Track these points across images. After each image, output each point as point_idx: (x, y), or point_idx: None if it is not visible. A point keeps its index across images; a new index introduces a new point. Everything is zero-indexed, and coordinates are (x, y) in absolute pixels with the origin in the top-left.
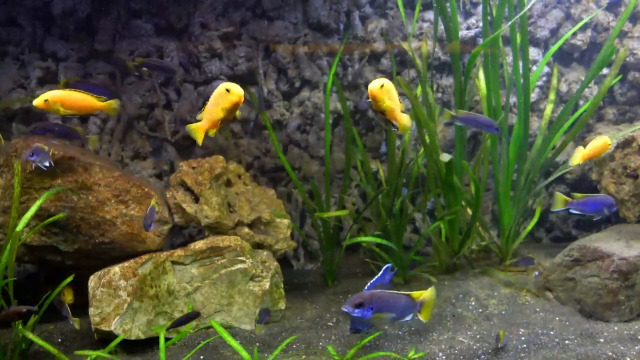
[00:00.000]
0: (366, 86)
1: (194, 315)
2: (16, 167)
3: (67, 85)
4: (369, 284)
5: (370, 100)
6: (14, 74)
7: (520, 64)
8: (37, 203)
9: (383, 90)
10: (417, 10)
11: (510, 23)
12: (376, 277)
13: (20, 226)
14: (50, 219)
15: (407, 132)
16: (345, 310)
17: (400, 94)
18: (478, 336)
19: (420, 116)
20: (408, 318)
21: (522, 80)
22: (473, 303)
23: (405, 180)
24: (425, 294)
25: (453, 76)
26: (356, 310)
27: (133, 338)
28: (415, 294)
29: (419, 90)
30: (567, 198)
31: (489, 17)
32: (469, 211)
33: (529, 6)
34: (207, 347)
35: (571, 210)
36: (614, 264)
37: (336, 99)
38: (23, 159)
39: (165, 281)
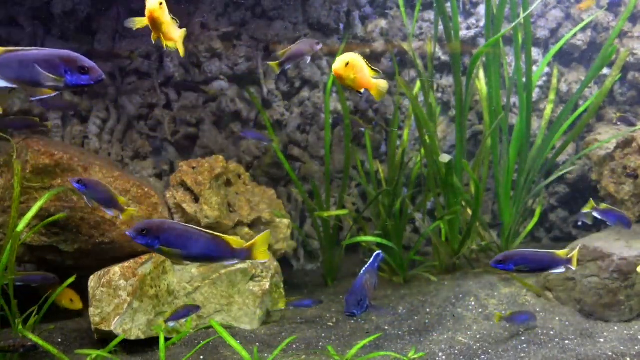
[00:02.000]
0: None
1: (193, 309)
2: (16, 167)
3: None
4: (361, 271)
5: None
6: None
7: (523, 63)
8: (38, 204)
9: (349, 68)
10: (417, 10)
11: (515, 22)
12: (368, 263)
13: (21, 226)
14: (51, 219)
15: (382, 97)
16: (128, 233)
17: (402, 94)
18: (478, 336)
19: (420, 116)
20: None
21: (524, 80)
22: (473, 303)
23: (405, 180)
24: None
25: (453, 76)
26: (139, 237)
27: (133, 338)
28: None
29: (417, 87)
30: (595, 205)
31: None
32: (469, 211)
33: (534, 5)
34: (207, 347)
35: (594, 214)
36: (614, 264)
37: (336, 99)
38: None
39: (165, 281)
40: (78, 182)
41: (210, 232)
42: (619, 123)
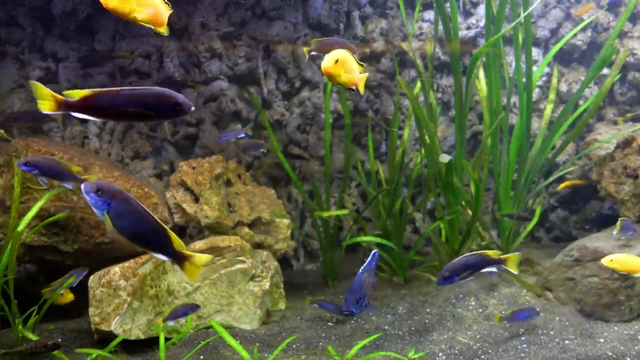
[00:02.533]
0: (366, 86)
1: (193, 308)
2: (16, 167)
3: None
4: (360, 269)
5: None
6: (14, 74)
7: (523, 63)
8: (39, 204)
9: (338, 65)
10: (417, 10)
11: (516, 22)
12: (366, 262)
13: (21, 226)
14: (51, 219)
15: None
16: (83, 187)
17: (402, 94)
18: (478, 336)
19: (421, 116)
20: None
21: (524, 80)
22: (473, 303)
23: (405, 180)
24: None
25: (453, 76)
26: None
27: (133, 338)
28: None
29: (417, 87)
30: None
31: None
32: (469, 211)
33: (535, 5)
34: (207, 347)
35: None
36: None
37: (336, 99)
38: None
39: (165, 281)
40: (26, 165)
41: (162, 224)
42: (631, 123)
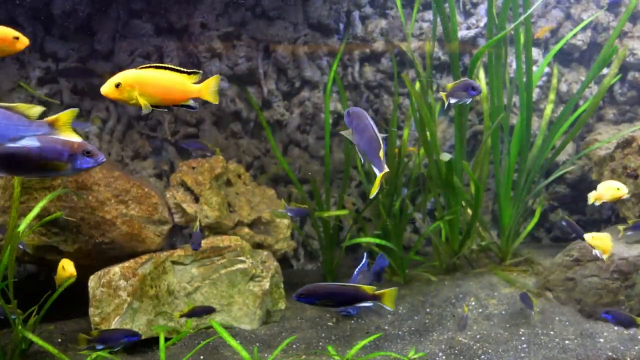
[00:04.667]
0: (366, 86)
1: (208, 310)
2: None
3: None
4: (355, 272)
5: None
6: (14, 74)
7: (523, 63)
8: (40, 204)
9: (123, 89)
10: (415, 10)
11: (517, 22)
12: (360, 265)
13: (22, 226)
14: (49, 217)
15: (215, 97)
16: None
17: (402, 94)
18: (478, 336)
19: (423, 114)
20: None
21: (524, 80)
22: (473, 303)
23: (405, 180)
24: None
25: (453, 76)
26: None
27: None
28: None
29: (417, 87)
30: (625, 226)
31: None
32: (469, 211)
33: (536, 5)
34: (207, 347)
35: (628, 234)
36: (614, 264)
37: (336, 99)
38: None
39: (165, 281)
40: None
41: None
42: None
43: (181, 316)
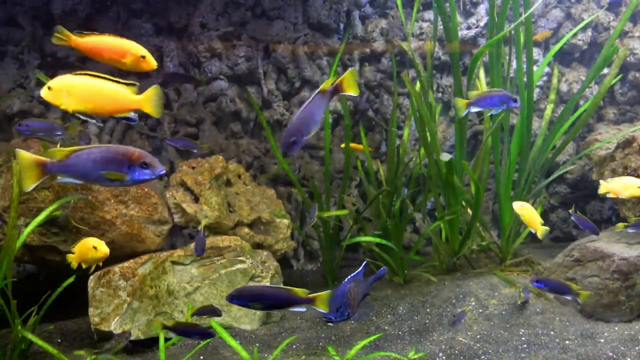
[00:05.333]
0: (366, 86)
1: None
2: (15, 167)
3: None
4: (346, 279)
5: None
6: (14, 74)
7: (524, 63)
8: (45, 212)
9: (54, 93)
10: (415, 9)
11: (518, 21)
12: (354, 273)
13: (26, 232)
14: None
15: (158, 109)
16: None
17: (402, 94)
18: (478, 336)
19: (423, 113)
20: None
21: (525, 79)
22: (473, 303)
23: (405, 180)
24: None
25: (453, 76)
26: None
27: (133, 338)
28: None
29: (417, 87)
30: (625, 223)
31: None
32: (469, 211)
33: (536, 5)
34: (207, 347)
35: (628, 231)
36: (614, 264)
37: (336, 99)
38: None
39: (165, 281)
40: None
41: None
42: None
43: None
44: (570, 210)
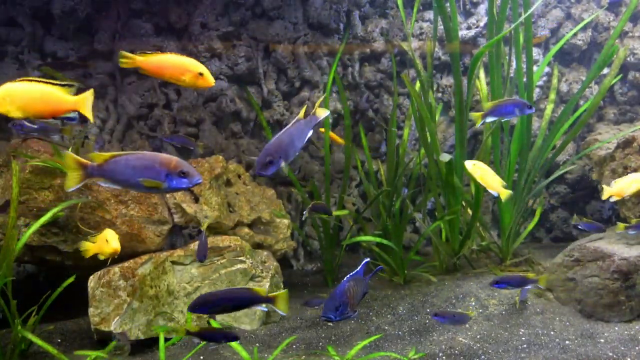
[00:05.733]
0: (366, 85)
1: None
2: (14, 167)
3: None
4: (345, 278)
5: None
6: (14, 73)
7: (523, 63)
8: (49, 214)
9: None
10: (415, 9)
11: (518, 22)
12: (354, 271)
13: (30, 230)
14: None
15: (89, 111)
16: None
17: (402, 94)
18: (478, 336)
19: (423, 113)
20: None
21: (525, 80)
22: (473, 303)
23: (405, 180)
24: None
25: (453, 76)
26: None
27: (133, 338)
28: None
29: (417, 87)
30: (626, 224)
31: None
32: (469, 211)
33: (536, 5)
34: (206, 348)
35: (629, 232)
36: (614, 264)
37: (336, 98)
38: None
39: (165, 281)
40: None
41: None
42: None
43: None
44: (573, 222)
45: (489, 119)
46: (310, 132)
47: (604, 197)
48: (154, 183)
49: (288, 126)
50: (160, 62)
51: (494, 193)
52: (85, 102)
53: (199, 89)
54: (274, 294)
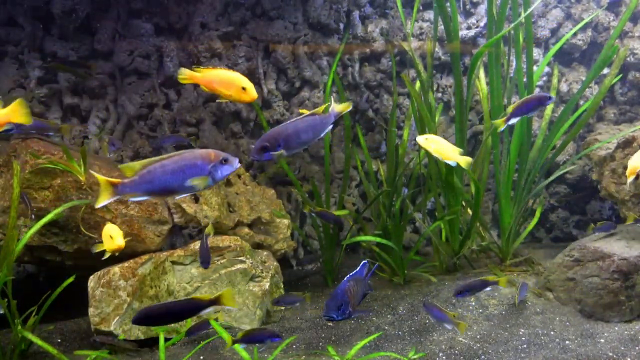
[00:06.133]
0: (366, 85)
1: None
2: (15, 167)
3: None
4: (346, 278)
5: None
6: (14, 73)
7: (523, 63)
8: (50, 215)
9: None
10: (415, 9)
11: (517, 21)
12: (354, 272)
13: (30, 232)
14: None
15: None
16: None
17: (402, 94)
18: (478, 336)
19: (423, 113)
20: None
21: (524, 79)
22: (473, 303)
23: (405, 180)
24: None
25: (453, 76)
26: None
27: (133, 338)
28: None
29: (417, 87)
30: (636, 216)
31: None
32: (469, 211)
33: (535, 4)
34: (207, 347)
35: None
36: (614, 264)
37: (336, 98)
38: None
39: (165, 281)
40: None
41: None
42: None
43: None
44: (589, 232)
45: (513, 121)
46: (330, 127)
47: (629, 178)
48: (200, 180)
49: (298, 118)
50: (210, 76)
51: (452, 163)
52: (17, 112)
53: (244, 103)
54: (216, 294)
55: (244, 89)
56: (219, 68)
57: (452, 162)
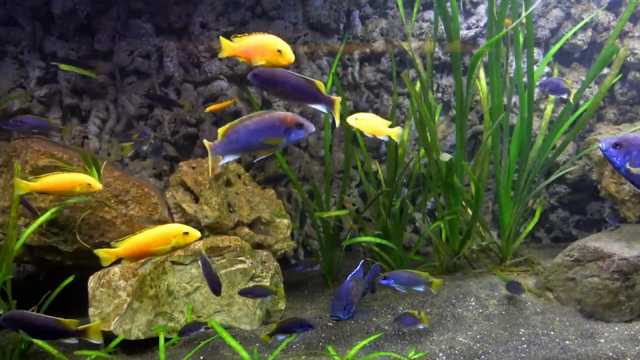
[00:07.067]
0: (366, 85)
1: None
2: (16, 167)
3: None
4: (348, 278)
5: None
6: (14, 73)
7: (524, 63)
8: (47, 214)
9: None
10: (415, 9)
11: (517, 21)
12: (354, 271)
13: (29, 230)
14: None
15: None
16: None
17: (402, 94)
18: (478, 336)
19: (423, 113)
20: None
21: (525, 79)
22: (473, 303)
23: (405, 180)
24: None
25: (453, 76)
26: None
27: (133, 338)
28: None
29: (417, 87)
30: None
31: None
32: (469, 211)
33: (535, 4)
34: (207, 348)
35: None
36: (614, 264)
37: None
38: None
39: (165, 281)
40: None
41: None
42: None
43: (180, 334)
44: (605, 215)
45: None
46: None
47: None
48: (275, 140)
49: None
50: (248, 45)
51: (384, 138)
52: None
53: (280, 66)
54: (85, 326)
55: (279, 51)
56: (255, 34)
57: (384, 137)
